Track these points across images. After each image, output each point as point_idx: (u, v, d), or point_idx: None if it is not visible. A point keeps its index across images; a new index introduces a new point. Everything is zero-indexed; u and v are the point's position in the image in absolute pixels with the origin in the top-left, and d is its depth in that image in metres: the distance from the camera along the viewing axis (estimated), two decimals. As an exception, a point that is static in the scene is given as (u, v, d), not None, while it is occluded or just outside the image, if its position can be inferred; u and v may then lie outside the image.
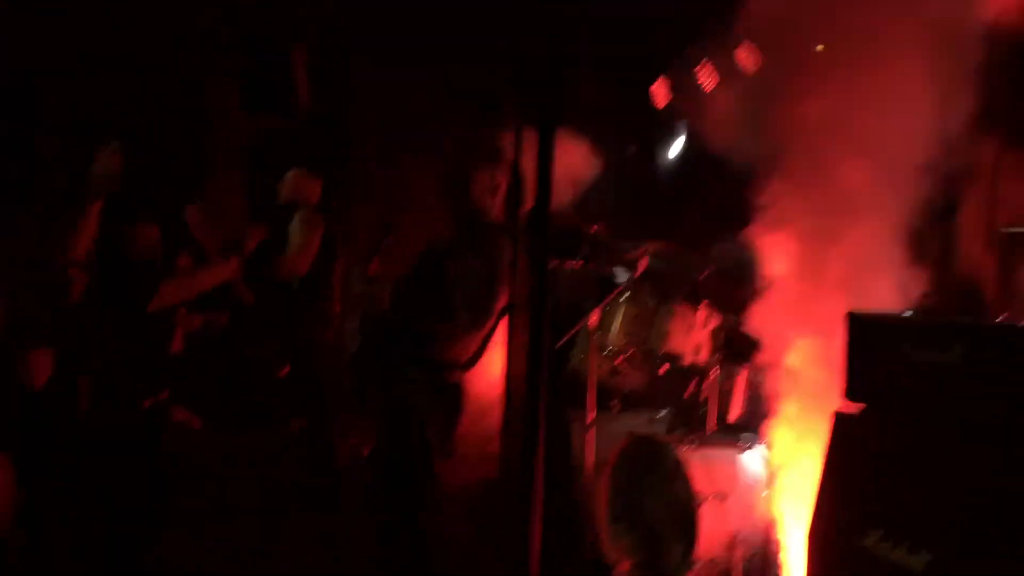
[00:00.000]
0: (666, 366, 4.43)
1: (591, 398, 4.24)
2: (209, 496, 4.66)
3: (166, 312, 3.86)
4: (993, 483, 2.42)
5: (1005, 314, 2.76)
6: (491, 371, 3.52)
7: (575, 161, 6.19)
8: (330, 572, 4.03)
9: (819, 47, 3.68)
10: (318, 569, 4.09)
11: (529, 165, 1.63)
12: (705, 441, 4.08)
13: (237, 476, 5.08)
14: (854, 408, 2.92)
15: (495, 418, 3.49)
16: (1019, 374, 2.42)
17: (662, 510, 4.05)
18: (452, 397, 3.43)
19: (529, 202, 1.57)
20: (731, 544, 3.74)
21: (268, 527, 4.54)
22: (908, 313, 3.01)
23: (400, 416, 3.36)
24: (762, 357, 4.01)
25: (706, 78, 5.34)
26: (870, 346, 2.90)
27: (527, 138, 1.63)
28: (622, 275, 4.57)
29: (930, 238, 3.41)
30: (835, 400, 2.98)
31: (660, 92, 6.06)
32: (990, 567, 2.36)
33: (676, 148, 6.16)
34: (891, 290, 3.40)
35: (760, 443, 3.95)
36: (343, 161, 7.42)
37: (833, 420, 2.96)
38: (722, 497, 3.83)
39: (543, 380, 1.53)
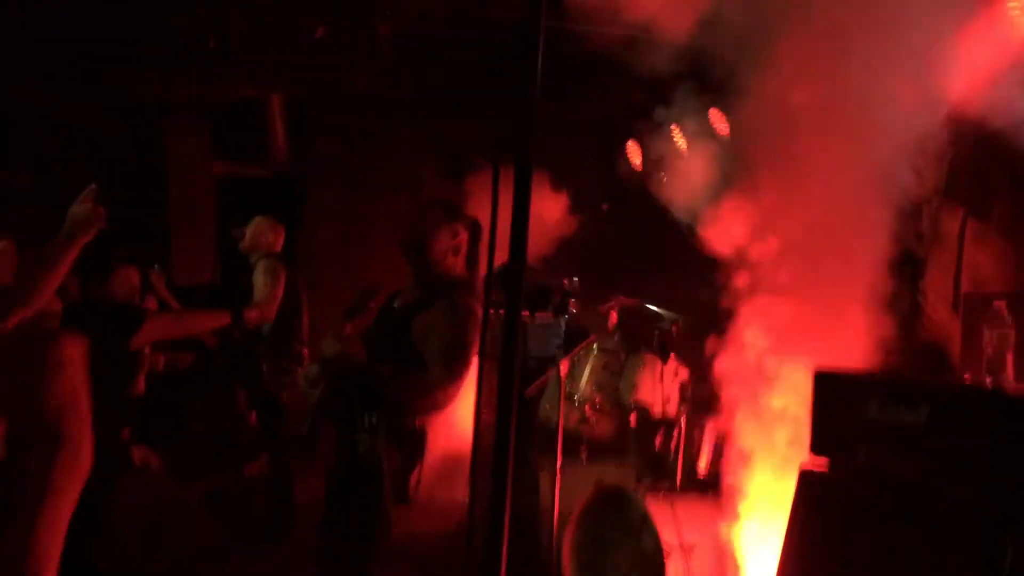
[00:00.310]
0: (635, 416, 4.47)
1: (560, 443, 4.26)
2: (159, 538, 4.59)
3: (131, 352, 3.83)
4: (956, 543, 2.47)
5: (968, 375, 2.84)
6: (456, 419, 3.53)
7: (548, 217, 6.28)
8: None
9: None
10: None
11: (496, 218, 1.66)
12: (673, 492, 4.10)
13: (192, 518, 5.01)
14: (820, 464, 2.97)
15: (460, 466, 3.49)
16: (982, 435, 2.48)
17: (629, 560, 4.05)
18: (412, 442, 3.43)
19: (495, 257, 1.61)
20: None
21: (220, 570, 4.47)
22: (874, 372, 3.07)
23: (356, 460, 3.34)
24: (730, 410, 4.06)
25: (678, 139, 5.48)
26: (836, 403, 2.95)
27: (498, 191, 1.67)
28: (594, 326, 4.62)
29: (897, 300, 3.50)
30: (802, 453, 3.02)
31: (634, 151, 6.20)
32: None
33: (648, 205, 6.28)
34: (858, 349, 3.49)
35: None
36: (306, 211, 7.47)
37: (799, 476, 3.00)
38: (689, 548, 3.84)
39: (512, 429, 1.55)
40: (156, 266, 5.47)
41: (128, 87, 6.50)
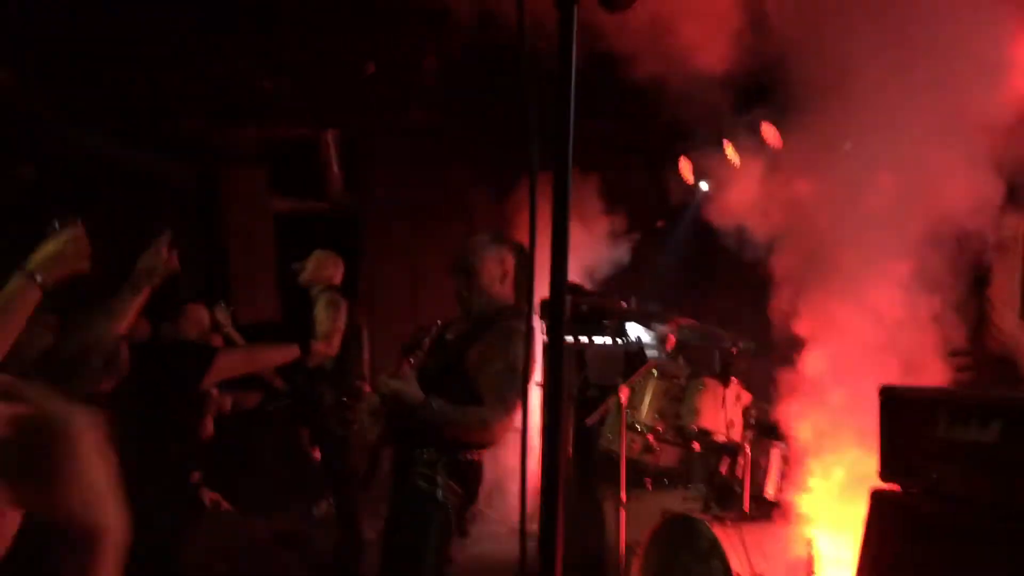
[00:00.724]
0: (698, 444, 4.38)
1: (623, 475, 4.20)
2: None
3: (201, 392, 3.89)
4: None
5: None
6: (513, 451, 3.50)
7: (601, 239, 6.25)
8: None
9: (847, 145, 3.73)
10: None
11: (535, 239, 1.64)
12: (741, 519, 4.01)
13: (265, 558, 5.06)
14: (892, 486, 2.87)
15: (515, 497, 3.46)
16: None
17: (699, 591, 3.97)
18: (469, 476, 3.41)
19: (542, 283, 1.58)
20: (770, 626, 3.64)
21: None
22: (942, 388, 2.96)
23: (414, 494, 3.33)
24: (797, 434, 3.97)
25: (732, 155, 5.40)
26: (904, 423, 2.85)
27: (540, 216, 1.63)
28: (652, 351, 4.56)
29: (964, 310, 3.38)
30: (873, 478, 2.92)
31: (687, 168, 6.13)
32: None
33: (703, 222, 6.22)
34: (927, 364, 3.38)
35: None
36: (364, 245, 7.54)
37: (870, 499, 2.91)
38: (759, 577, 3.75)
39: (560, 461, 1.51)
40: (222, 303, 5.55)
41: (190, 132, 6.67)
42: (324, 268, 5.52)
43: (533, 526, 1.50)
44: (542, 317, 1.65)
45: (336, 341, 5.18)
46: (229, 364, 3.58)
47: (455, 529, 3.35)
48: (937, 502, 2.72)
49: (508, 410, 3.30)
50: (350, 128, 7.14)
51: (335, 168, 7.20)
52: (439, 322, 3.68)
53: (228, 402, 5.05)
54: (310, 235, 6.64)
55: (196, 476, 4.16)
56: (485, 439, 3.36)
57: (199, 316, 5.00)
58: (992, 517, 2.52)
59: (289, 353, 3.81)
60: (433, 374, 3.45)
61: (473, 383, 3.35)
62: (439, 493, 3.30)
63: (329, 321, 5.22)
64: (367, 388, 5.42)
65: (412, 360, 3.49)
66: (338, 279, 5.56)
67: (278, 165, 7.39)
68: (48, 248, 2.22)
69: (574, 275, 5.36)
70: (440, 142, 6.85)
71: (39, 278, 2.16)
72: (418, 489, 3.32)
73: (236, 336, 5.47)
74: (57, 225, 2.32)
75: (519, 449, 1.68)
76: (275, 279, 7.27)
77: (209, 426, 4.29)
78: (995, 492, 2.52)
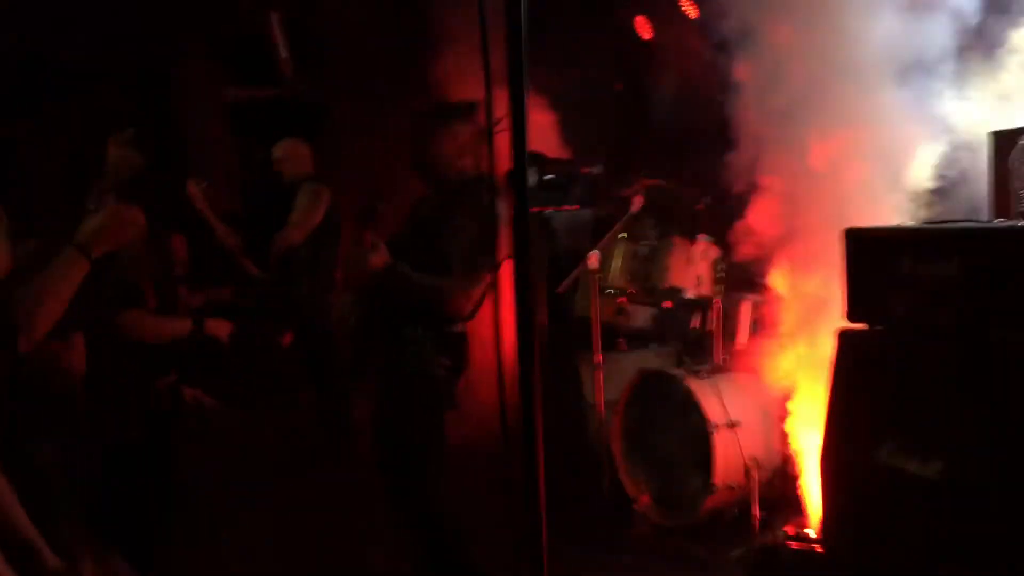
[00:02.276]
0: (669, 302, 4.44)
1: (596, 339, 4.26)
2: (224, 470, 4.73)
3: (171, 294, 3.86)
4: (998, 388, 2.43)
5: (1001, 219, 2.75)
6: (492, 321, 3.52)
7: (559, 100, 6.14)
8: (344, 531, 4.12)
9: None
10: (333, 529, 4.19)
11: (492, 99, 1.60)
12: (715, 370, 4.11)
13: (250, 447, 5.15)
14: (859, 325, 2.93)
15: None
16: (1019, 277, 2.42)
17: (677, 442, 4.10)
18: (456, 348, 3.44)
19: (504, 153, 1.56)
20: (747, 468, 3.78)
21: (282, 495, 4.61)
22: (904, 226, 2.99)
23: (405, 372, 3.37)
24: (764, 283, 4.03)
25: (687, 8, 5.28)
26: (868, 262, 2.89)
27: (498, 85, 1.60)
28: (619, 214, 4.56)
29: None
30: (839, 319, 2.98)
31: (643, 25, 5.99)
32: (1001, 471, 2.39)
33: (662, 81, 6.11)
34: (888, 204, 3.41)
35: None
36: (326, 129, 7.37)
37: (836, 339, 2.97)
38: (734, 424, 3.87)
39: (533, 327, 1.52)
40: (198, 178, 5.29)
41: (134, 27, 6.41)
42: (300, 158, 5.42)
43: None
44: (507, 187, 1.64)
45: (302, 231, 5.13)
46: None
47: (446, 403, 3.41)
48: (902, 337, 2.78)
49: (476, 279, 3.31)
50: (296, 6, 6.88)
51: (283, 50, 6.97)
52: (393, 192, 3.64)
53: (200, 298, 5.01)
54: (265, 123, 6.49)
55: (172, 375, 4.17)
56: (456, 309, 3.37)
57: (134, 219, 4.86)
58: (956, 348, 2.59)
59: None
60: (408, 252, 3.44)
61: (444, 255, 3.35)
62: (428, 368, 3.34)
63: (306, 211, 5.15)
64: (339, 276, 5.41)
65: (370, 228, 3.45)
66: (309, 165, 5.46)
67: (227, 52, 7.15)
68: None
69: (536, 143, 5.31)
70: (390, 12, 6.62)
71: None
72: (406, 366, 3.36)
73: (210, 213, 5.29)
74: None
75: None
76: (236, 170, 7.14)
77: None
78: (959, 323, 2.58)
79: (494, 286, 2.94)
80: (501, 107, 1.55)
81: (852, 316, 2.93)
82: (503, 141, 1.63)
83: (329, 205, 5.24)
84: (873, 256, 2.87)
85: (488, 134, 1.90)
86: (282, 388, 5.48)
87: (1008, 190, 2.67)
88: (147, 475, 3.39)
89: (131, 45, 6.50)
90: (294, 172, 5.35)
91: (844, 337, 2.96)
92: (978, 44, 3.40)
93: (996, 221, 2.77)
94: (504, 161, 1.62)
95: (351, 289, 3.65)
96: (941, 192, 3.36)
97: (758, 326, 4.16)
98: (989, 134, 2.92)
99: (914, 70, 3.41)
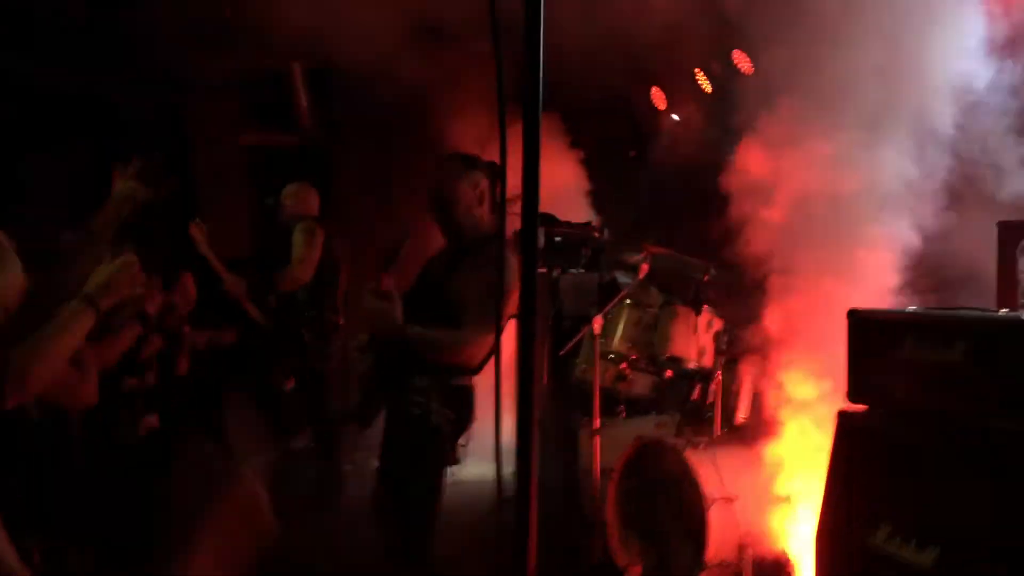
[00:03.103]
0: (670, 371, 4.44)
1: (596, 404, 4.25)
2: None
3: (178, 332, 3.87)
4: (996, 479, 2.42)
5: (1006, 308, 2.76)
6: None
7: (573, 167, 6.22)
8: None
9: None
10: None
11: (505, 166, 1.63)
12: (713, 443, 4.08)
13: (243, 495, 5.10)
14: (859, 407, 2.92)
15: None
16: (1018, 368, 2.42)
17: (671, 513, 4.06)
18: (462, 402, 3.43)
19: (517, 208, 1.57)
20: (741, 546, 3.73)
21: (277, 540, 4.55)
22: (908, 310, 3.00)
23: (409, 424, 3.36)
24: (767, 359, 4.02)
25: (702, 83, 5.37)
26: (871, 344, 2.90)
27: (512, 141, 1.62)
28: (624, 280, 4.58)
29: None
30: (840, 401, 2.98)
31: (658, 96, 6.08)
32: (997, 561, 2.36)
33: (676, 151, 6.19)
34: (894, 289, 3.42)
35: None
36: (339, 176, 7.45)
37: (837, 419, 2.96)
38: (731, 499, 3.83)
39: (533, 387, 1.52)
40: (197, 219, 5.32)
41: (155, 63, 6.51)
42: (302, 201, 5.47)
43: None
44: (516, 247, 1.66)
45: (309, 267, 5.15)
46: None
47: (448, 457, 3.39)
48: (903, 421, 2.78)
49: (484, 333, 3.31)
50: (319, 58, 6.99)
51: (304, 99, 7.08)
52: (414, 238, 3.67)
53: (203, 339, 5.02)
54: (280, 168, 6.55)
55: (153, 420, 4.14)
56: (464, 362, 3.38)
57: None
58: (957, 435, 2.58)
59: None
60: (419, 303, 3.46)
61: (454, 309, 3.36)
62: (432, 420, 3.33)
63: (304, 247, 5.18)
64: (341, 322, 5.42)
65: (390, 273, 3.47)
66: (315, 210, 5.51)
67: (246, 97, 7.25)
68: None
69: (547, 206, 5.35)
70: (409, 68, 6.72)
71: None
72: (411, 416, 3.35)
73: (212, 257, 5.32)
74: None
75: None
76: (247, 214, 7.19)
77: (184, 362, 4.27)
78: (960, 410, 2.58)
79: (497, 344, 2.93)
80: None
81: (853, 397, 2.93)
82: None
83: (326, 246, 5.27)
84: (876, 339, 2.88)
85: (502, 193, 1.93)
86: (280, 434, 5.46)
87: (1013, 280, 2.68)
88: (131, 513, 3.37)
89: (150, 78, 6.60)
90: (296, 214, 5.39)
91: (844, 418, 2.95)
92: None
93: (1001, 311, 2.78)
94: (515, 219, 1.64)
95: (360, 336, 3.65)
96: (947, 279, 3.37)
97: (759, 401, 4.14)
98: (996, 224, 2.95)
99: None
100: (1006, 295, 2.81)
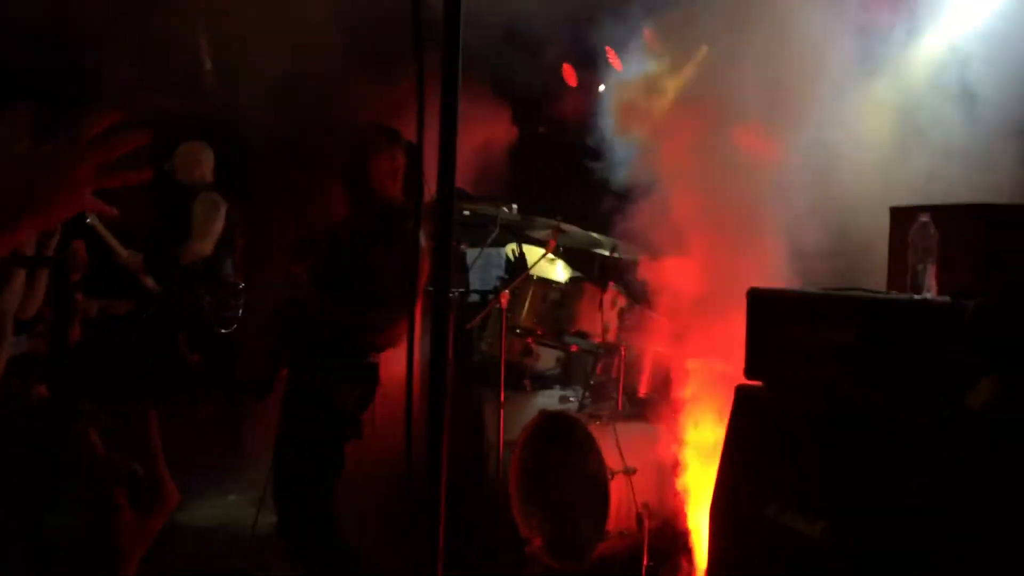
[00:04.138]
0: (575, 346, 4.49)
1: (502, 377, 4.28)
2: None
3: (68, 300, 3.74)
4: (884, 454, 2.53)
5: (896, 291, 2.88)
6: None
7: (485, 140, 6.20)
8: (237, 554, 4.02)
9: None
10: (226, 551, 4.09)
11: (422, 138, 1.62)
12: (615, 417, 4.15)
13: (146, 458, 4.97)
14: (755, 382, 3.02)
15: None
16: (906, 346, 2.53)
17: (574, 485, 4.12)
18: (366, 379, 3.42)
19: (432, 184, 1.56)
20: (640, 516, 3.82)
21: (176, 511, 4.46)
22: (804, 291, 3.11)
23: (312, 400, 3.33)
24: (670, 336, 4.12)
25: (613, 61, 5.40)
26: (769, 322, 2.99)
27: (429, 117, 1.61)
28: (532, 256, 4.61)
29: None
30: (739, 377, 3.07)
31: (569, 74, 6.10)
32: (882, 531, 2.48)
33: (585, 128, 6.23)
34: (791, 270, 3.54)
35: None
36: (242, 145, 7.26)
37: (734, 395, 3.05)
38: (631, 472, 3.91)
39: (446, 362, 1.52)
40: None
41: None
42: (194, 162, 5.31)
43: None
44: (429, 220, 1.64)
45: (209, 243, 5.06)
46: None
47: (350, 432, 3.37)
48: (797, 397, 2.88)
49: (396, 310, 3.30)
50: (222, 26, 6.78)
51: (208, 63, 6.87)
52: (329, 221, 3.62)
53: (94, 307, 4.86)
54: (181, 136, 6.36)
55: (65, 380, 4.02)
56: (386, 342, 3.36)
57: None
58: (846, 411, 2.69)
59: None
60: (329, 275, 3.41)
61: (372, 285, 3.33)
62: (336, 398, 3.30)
63: (206, 222, 5.07)
64: (241, 285, 5.32)
65: (304, 262, 3.42)
66: (210, 172, 5.36)
67: (146, 62, 6.99)
68: None
69: (459, 181, 5.33)
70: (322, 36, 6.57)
71: None
72: (314, 393, 3.32)
73: (105, 232, 5.18)
74: None
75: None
76: (145, 183, 6.94)
77: (76, 330, 4.13)
78: (850, 387, 2.69)
79: (411, 318, 2.92)
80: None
81: (750, 373, 3.02)
82: (430, 173, 1.64)
83: (227, 216, 5.17)
84: (773, 317, 2.98)
85: (418, 171, 1.92)
86: (184, 402, 5.34)
87: (904, 264, 2.79)
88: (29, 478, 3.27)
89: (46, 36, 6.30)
90: (191, 179, 5.25)
91: (741, 393, 3.05)
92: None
93: (891, 293, 2.90)
94: (429, 193, 1.63)
95: (264, 309, 3.60)
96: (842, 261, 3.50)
97: (661, 377, 4.24)
98: (890, 209, 3.07)
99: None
100: (896, 278, 2.93)
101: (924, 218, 2.73)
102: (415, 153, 3.47)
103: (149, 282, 5.28)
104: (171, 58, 6.83)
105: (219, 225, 5.12)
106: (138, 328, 5.50)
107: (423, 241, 3.26)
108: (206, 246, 5.04)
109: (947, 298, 2.55)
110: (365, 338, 3.35)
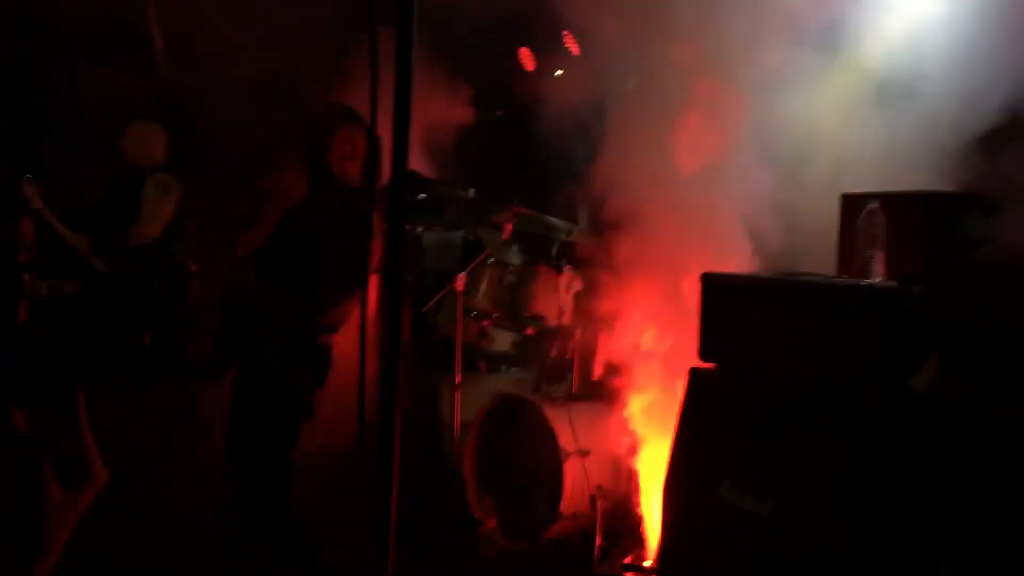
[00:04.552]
0: (531, 328, 4.51)
1: (458, 360, 4.29)
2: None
3: (15, 279, 3.68)
4: (832, 435, 2.59)
5: (846, 275, 2.94)
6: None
7: (442, 124, 6.17)
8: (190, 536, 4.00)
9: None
10: (179, 533, 4.06)
11: (387, 128, 1.61)
12: (570, 399, 4.18)
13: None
14: (709, 365, 3.06)
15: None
16: (853, 330, 2.59)
17: (528, 467, 4.15)
18: (318, 360, 3.41)
19: (387, 166, 1.57)
20: (594, 497, 3.86)
21: (127, 492, 4.43)
22: (757, 275, 3.15)
23: (262, 382, 3.31)
24: (624, 320, 4.15)
25: (571, 46, 5.41)
26: (722, 306, 3.03)
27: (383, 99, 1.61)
28: (489, 239, 4.62)
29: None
30: (693, 359, 3.11)
31: (527, 57, 6.09)
32: (827, 509, 2.54)
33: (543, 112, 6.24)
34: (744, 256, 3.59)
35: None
36: (194, 121, 7.16)
37: (688, 377, 3.10)
38: (585, 453, 3.95)
39: (398, 344, 1.53)
40: (28, 176, 5.05)
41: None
42: (145, 142, 5.22)
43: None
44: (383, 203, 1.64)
45: (158, 226, 4.98)
46: None
47: (303, 413, 3.36)
48: (748, 379, 2.93)
49: (351, 293, 3.30)
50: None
51: (159, 41, 6.75)
52: (279, 199, 3.59)
53: (43, 288, 4.78)
54: (132, 114, 6.25)
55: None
56: (331, 323, 3.35)
57: None
58: (795, 393, 2.75)
59: None
60: (281, 254, 3.38)
61: (321, 266, 3.31)
62: (287, 380, 3.29)
63: (156, 204, 4.99)
64: (194, 269, 5.27)
65: (250, 243, 3.40)
66: (162, 152, 5.28)
67: (97, 39, 6.85)
68: None
69: (414, 163, 5.31)
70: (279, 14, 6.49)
71: None
72: (264, 376, 3.30)
73: (49, 215, 5.09)
74: None
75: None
76: (94, 159, 6.82)
77: (23, 310, 4.06)
78: (799, 369, 2.74)
79: (363, 300, 2.93)
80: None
81: (703, 356, 3.07)
82: (384, 155, 1.64)
83: (179, 198, 5.10)
84: (726, 301, 3.02)
85: (372, 152, 1.91)
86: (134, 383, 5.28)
87: (854, 250, 2.85)
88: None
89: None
90: (142, 159, 5.16)
91: (694, 375, 3.09)
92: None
93: (841, 278, 2.96)
94: (382, 175, 1.63)
95: (216, 293, 3.57)
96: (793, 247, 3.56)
97: (615, 359, 4.27)
98: (841, 196, 3.12)
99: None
100: (847, 263, 2.99)
101: (873, 205, 2.79)
102: (376, 137, 3.44)
103: (98, 264, 5.20)
104: (122, 37, 6.71)
105: (169, 207, 5.05)
106: (87, 310, 5.42)
107: (376, 223, 3.26)
108: (154, 228, 4.97)
109: (894, 283, 2.61)
110: (314, 320, 3.34)
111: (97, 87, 6.96)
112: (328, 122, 3.45)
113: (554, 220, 4.60)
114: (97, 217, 5.56)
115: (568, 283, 4.35)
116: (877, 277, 2.74)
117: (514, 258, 4.59)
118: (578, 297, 4.32)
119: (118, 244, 5.04)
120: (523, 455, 4.18)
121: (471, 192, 5.30)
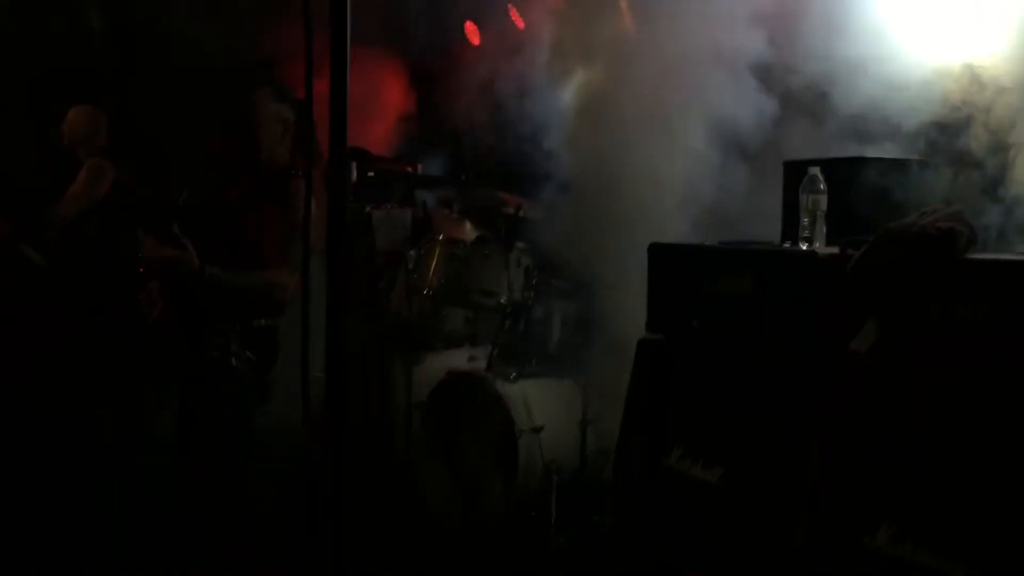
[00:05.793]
0: (483, 305, 4.50)
1: (409, 338, 4.27)
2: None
3: None
4: (777, 401, 2.62)
5: (788, 242, 2.96)
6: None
7: (389, 100, 6.12)
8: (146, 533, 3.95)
9: None
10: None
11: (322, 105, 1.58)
12: (523, 375, 4.18)
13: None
14: (657, 335, 3.08)
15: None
16: (796, 297, 2.62)
17: (481, 443, 4.15)
18: (265, 342, 3.38)
19: (323, 145, 1.54)
20: (548, 472, 3.87)
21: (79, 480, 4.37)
22: (705, 244, 3.17)
23: (208, 367, 3.28)
24: (577, 291, 4.17)
25: (516, 19, 5.37)
26: (669, 276, 3.05)
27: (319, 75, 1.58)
28: (438, 215, 4.59)
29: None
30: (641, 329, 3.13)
31: (473, 31, 6.05)
32: (773, 478, 2.57)
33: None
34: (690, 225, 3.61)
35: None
36: (133, 102, 7.01)
37: (637, 349, 3.11)
38: (539, 429, 3.95)
39: (342, 324, 1.52)
40: None
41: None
42: (82, 125, 5.10)
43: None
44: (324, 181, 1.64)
45: (73, 206, 4.83)
46: None
47: (256, 396, 3.35)
48: (695, 349, 2.95)
49: (288, 271, 3.28)
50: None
51: (96, 22, 6.59)
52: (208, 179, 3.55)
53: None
54: (68, 95, 6.10)
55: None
56: (269, 302, 3.33)
57: None
58: (741, 362, 2.77)
59: None
60: (215, 240, 3.35)
61: (256, 247, 3.29)
62: (233, 362, 3.27)
63: (82, 185, 4.85)
64: (140, 253, 5.16)
65: (179, 223, 3.35)
66: (101, 137, 5.16)
67: (29, 20, 6.67)
68: None
69: (363, 141, 5.25)
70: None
71: None
72: (210, 360, 3.28)
73: None
74: None
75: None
76: (28, 144, 6.65)
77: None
78: (746, 339, 2.76)
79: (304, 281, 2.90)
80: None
81: (651, 327, 3.09)
82: (323, 133, 1.62)
83: (116, 183, 4.97)
84: (673, 271, 3.04)
85: (308, 129, 1.89)
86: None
87: (796, 216, 2.87)
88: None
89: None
90: (78, 144, 5.04)
91: (642, 346, 3.11)
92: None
93: (784, 245, 2.98)
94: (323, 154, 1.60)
95: (155, 281, 3.51)
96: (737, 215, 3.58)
97: (567, 333, 4.28)
98: (783, 163, 3.14)
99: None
100: (789, 230, 3.01)
101: (813, 171, 2.81)
102: (305, 109, 3.40)
103: (30, 253, 5.07)
104: (58, 17, 6.54)
105: (98, 191, 4.90)
106: (24, 300, 5.30)
107: (317, 200, 3.22)
108: (69, 209, 4.81)
109: (835, 249, 2.63)
110: (258, 299, 3.32)
111: (32, 68, 6.79)
112: (258, 100, 3.41)
113: (504, 196, 4.58)
114: (29, 204, 5.44)
115: (518, 259, 4.34)
116: (818, 243, 2.77)
117: (465, 235, 4.56)
118: (529, 272, 4.31)
119: (45, 228, 4.90)
120: (477, 432, 4.17)
121: (420, 168, 5.27)
